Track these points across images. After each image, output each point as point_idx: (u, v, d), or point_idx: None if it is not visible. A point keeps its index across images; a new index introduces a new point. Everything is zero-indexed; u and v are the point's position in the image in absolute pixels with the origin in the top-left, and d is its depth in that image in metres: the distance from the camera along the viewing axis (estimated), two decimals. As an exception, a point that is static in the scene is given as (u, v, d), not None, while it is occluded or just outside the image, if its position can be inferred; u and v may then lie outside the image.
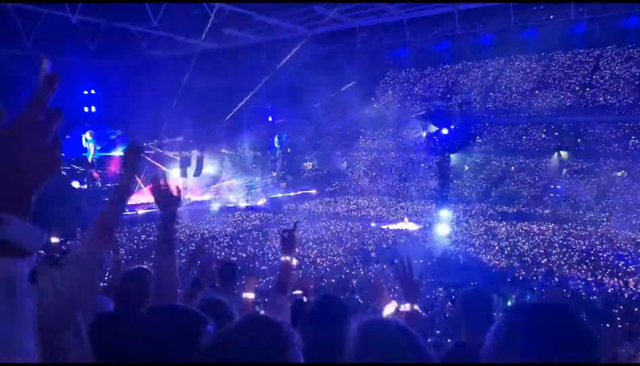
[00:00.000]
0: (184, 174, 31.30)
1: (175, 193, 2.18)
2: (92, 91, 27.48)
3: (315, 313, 2.13)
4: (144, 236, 23.35)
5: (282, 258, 2.71)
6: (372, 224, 26.21)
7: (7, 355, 0.65)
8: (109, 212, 2.12)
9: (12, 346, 0.66)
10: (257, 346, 1.19)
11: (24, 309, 0.68)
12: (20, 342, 0.67)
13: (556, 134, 31.16)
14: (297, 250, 2.78)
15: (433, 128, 34.64)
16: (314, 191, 36.37)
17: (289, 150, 38.93)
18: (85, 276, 1.81)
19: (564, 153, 30.48)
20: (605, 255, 18.46)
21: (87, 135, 29.50)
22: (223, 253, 18.84)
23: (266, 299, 2.70)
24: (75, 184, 27.95)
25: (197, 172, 32.29)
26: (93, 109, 27.74)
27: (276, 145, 38.01)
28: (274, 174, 37.71)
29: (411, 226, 25.97)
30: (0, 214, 0.67)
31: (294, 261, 2.70)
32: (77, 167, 28.73)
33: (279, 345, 1.21)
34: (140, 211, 28.03)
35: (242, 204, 32.85)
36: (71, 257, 1.90)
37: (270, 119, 36.54)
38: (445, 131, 33.62)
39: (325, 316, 2.09)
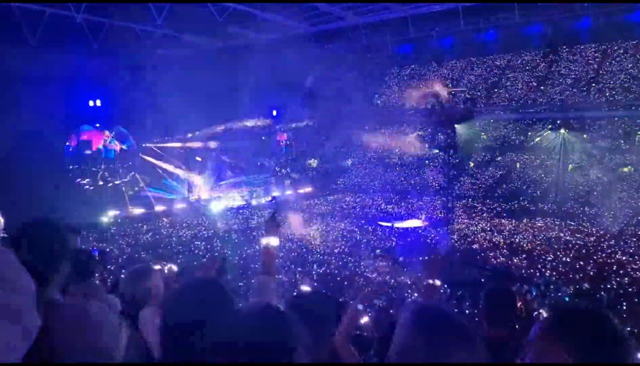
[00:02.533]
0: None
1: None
2: (98, 102, 27.45)
3: (307, 310, 2.14)
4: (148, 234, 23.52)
5: (263, 241, 2.74)
6: (386, 224, 26.11)
7: None
8: None
9: None
10: (265, 341, 1.19)
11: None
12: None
13: (562, 129, 30.98)
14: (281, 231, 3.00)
15: (437, 124, 34.59)
16: (318, 189, 36.37)
17: (293, 148, 38.90)
18: None
19: (569, 149, 30.32)
20: (612, 252, 18.38)
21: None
22: (229, 251, 18.89)
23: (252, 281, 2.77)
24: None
25: (202, 171, 32.39)
26: (98, 102, 27.66)
27: (280, 143, 37.98)
28: (279, 172, 37.70)
29: (415, 223, 25.94)
30: None
31: (275, 242, 2.75)
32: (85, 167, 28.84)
33: (287, 342, 1.21)
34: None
35: (249, 202, 32.91)
36: None
37: (274, 113, 36.28)
38: (449, 129, 33.58)
39: (317, 313, 2.10)
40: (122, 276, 3.33)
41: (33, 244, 1.63)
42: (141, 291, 2.61)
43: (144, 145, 30.62)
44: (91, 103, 27.05)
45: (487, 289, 2.98)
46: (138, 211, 27.71)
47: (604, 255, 17.98)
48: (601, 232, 21.75)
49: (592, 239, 20.70)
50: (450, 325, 1.15)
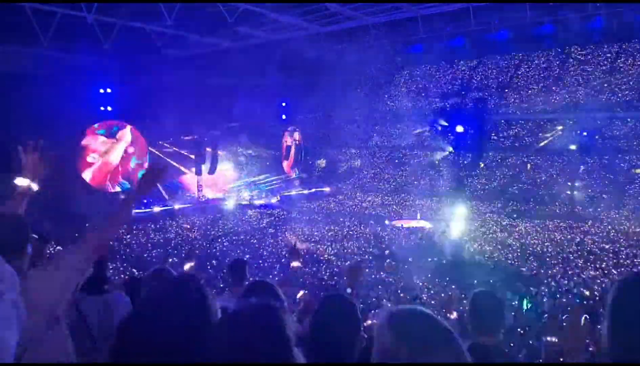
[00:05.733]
0: (199, 172, 31.39)
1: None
2: (108, 90, 27.50)
3: (325, 312, 2.12)
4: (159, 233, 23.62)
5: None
6: (386, 222, 26.08)
7: None
8: (120, 212, 2.19)
9: None
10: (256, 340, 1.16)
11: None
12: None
13: (573, 130, 30.67)
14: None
15: (447, 124, 34.46)
16: (327, 189, 36.35)
17: (302, 148, 38.86)
18: (65, 281, 1.86)
19: (581, 150, 29.98)
20: (624, 253, 18.13)
21: None
22: (238, 251, 18.91)
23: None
24: None
25: (212, 170, 32.36)
26: (109, 108, 27.79)
27: (289, 143, 37.90)
28: (287, 172, 37.70)
29: (424, 224, 25.81)
30: None
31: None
32: None
33: (284, 341, 1.18)
34: (156, 209, 28.21)
35: (258, 202, 32.94)
36: (55, 261, 1.95)
37: (284, 117, 36.43)
38: (460, 128, 33.46)
39: (334, 315, 2.08)
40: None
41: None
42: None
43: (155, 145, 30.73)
44: (102, 91, 27.25)
45: (473, 292, 2.90)
46: (146, 209, 27.76)
47: (616, 258, 17.74)
48: (614, 234, 21.47)
49: (604, 241, 20.43)
50: (430, 328, 1.11)
